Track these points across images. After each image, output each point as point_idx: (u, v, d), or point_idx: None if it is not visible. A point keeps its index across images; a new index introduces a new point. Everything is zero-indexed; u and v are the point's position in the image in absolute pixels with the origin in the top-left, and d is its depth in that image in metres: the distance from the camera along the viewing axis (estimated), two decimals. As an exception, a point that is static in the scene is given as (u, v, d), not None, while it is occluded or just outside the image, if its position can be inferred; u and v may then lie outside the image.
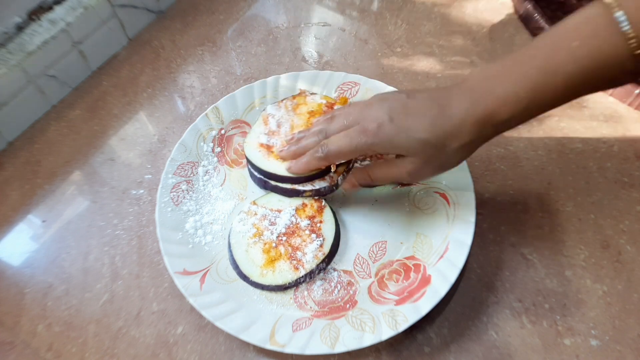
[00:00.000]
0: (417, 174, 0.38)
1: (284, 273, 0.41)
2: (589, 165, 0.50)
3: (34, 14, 0.54)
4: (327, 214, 0.44)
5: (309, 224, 0.43)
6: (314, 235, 0.43)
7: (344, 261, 0.44)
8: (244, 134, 0.52)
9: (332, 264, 0.44)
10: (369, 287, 0.42)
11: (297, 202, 0.44)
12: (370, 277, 0.43)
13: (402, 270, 0.43)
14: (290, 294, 0.42)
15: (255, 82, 0.53)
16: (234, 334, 0.38)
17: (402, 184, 0.48)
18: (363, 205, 0.47)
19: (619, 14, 0.29)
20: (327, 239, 0.43)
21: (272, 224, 0.43)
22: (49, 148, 0.54)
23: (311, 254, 0.42)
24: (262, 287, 0.42)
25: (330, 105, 0.48)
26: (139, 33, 0.64)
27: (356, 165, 0.47)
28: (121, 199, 0.50)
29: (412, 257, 0.44)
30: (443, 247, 0.43)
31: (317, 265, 0.42)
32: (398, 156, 0.39)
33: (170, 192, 0.47)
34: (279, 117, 0.48)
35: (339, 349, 0.38)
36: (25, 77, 0.53)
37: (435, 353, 0.40)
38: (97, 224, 0.49)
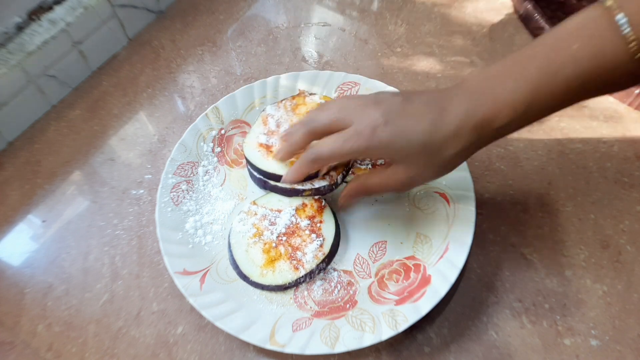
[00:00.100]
0: (414, 180, 0.37)
1: (284, 273, 0.41)
2: (589, 165, 0.50)
3: (34, 14, 0.54)
4: (327, 214, 0.44)
5: (309, 224, 0.43)
6: (314, 235, 0.43)
7: (344, 261, 0.44)
8: (244, 134, 0.52)
9: (332, 264, 0.44)
10: (369, 287, 0.42)
11: (297, 202, 0.44)
12: (370, 277, 0.43)
13: (402, 270, 0.43)
14: (290, 294, 0.42)
15: (255, 82, 0.53)
16: (234, 334, 0.38)
17: None
18: (363, 205, 0.47)
19: (620, 17, 0.29)
20: (327, 239, 0.43)
21: (272, 224, 0.43)
22: (49, 148, 0.54)
23: (311, 254, 0.42)
24: (262, 287, 0.42)
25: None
26: (139, 33, 0.64)
27: (356, 165, 0.47)
28: (121, 199, 0.50)
29: (412, 257, 0.44)
30: (443, 247, 0.43)
31: (317, 265, 0.42)
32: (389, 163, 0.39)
33: (170, 192, 0.47)
34: (278, 117, 0.48)
35: (339, 349, 0.38)
36: (25, 77, 0.53)
37: (435, 353, 0.40)
38: (97, 224, 0.49)
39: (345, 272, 0.44)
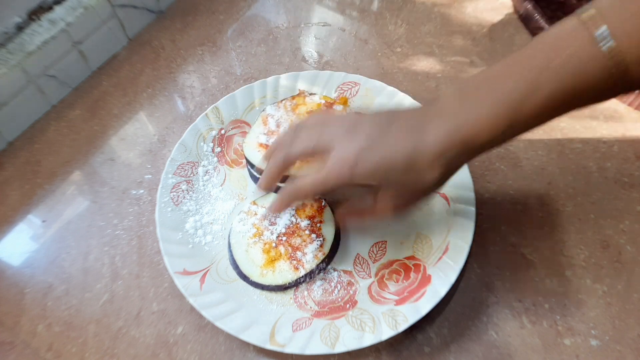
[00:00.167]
0: (404, 206, 0.36)
1: (284, 273, 0.41)
2: (589, 165, 0.50)
3: (34, 14, 0.54)
4: (327, 214, 0.44)
5: (309, 224, 0.43)
6: (314, 235, 0.43)
7: (344, 261, 0.44)
8: (244, 134, 0.52)
9: (332, 264, 0.44)
10: (369, 287, 0.42)
11: (296, 202, 0.44)
12: (370, 277, 0.43)
13: (402, 270, 0.43)
14: (290, 294, 0.42)
15: (255, 82, 0.53)
16: (234, 334, 0.38)
17: None
18: (363, 205, 0.47)
19: (601, 31, 0.28)
20: (327, 239, 0.43)
21: (272, 224, 0.43)
22: (49, 148, 0.54)
23: (311, 254, 0.42)
24: (262, 287, 0.42)
25: (330, 105, 0.48)
26: (139, 33, 0.64)
27: None
28: (121, 199, 0.50)
29: (412, 257, 0.44)
30: (443, 247, 0.43)
31: (317, 265, 0.42)
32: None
33: (170, 192, 0.47)
34: (278, 117, 0.48)
35: (339, 349, 0.38)
36: (25, 77, 0.53)
37: (435, 353, 0.40)
38: (97, 224, 0.49)
39: (345, 272, 0.44)
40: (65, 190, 0.51)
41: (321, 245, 0.42)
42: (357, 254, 0.45)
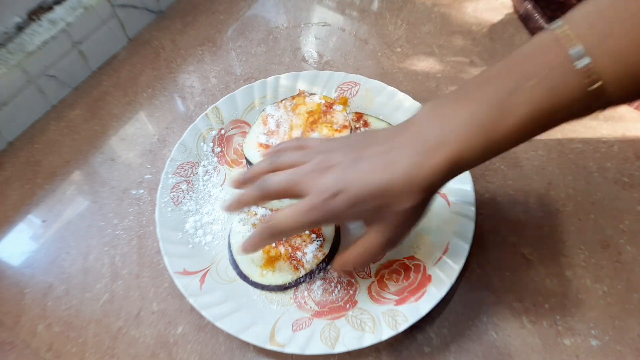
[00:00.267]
0: (390, 240, 0.35)
1: (284, 273, 0.41)
2: (589, 165, 0.50)
3: (34, 14, 0.54)
4: (327, 214, 0.44)
5: (309, 224, 0.43)
6: (314, 235, 0.43)
7: (344, 261, 0.44)
8: (244, 134, 0.52)
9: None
10: (369, 287, 0.42)
11: (297, 202, 0.44)
12: (370, 277, 0.43)
13: (402, 270, 0.43)
14: (290, 294, 0.42)
15: (255, 82, 0.53)
16: (234, 334, 0.38)
17: None
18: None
19: (576, 50, 0.27)
20: (327, 239, 0.43)
21: (272, 224, 0.43)
22: (49, 148, 0.54)
23: (311, 254, 0.42)
24: (262, 287, 0.42)
25: (330, 105, 0.48)
26: (139, 33, 0.64)
27: None
28: (121, 199, 0.50)
29: (412, 257, 0.44)
30: (443, 247, 0.43)
31: (317, 265, 0.42)
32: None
33: (170, 192, 0.47)
34: (278, 117, 0.48)
35: (339, 349, 0.38)
36: (25, 77, 0.53)
37: (435, 353, 0.40)
38: (97, 224, 0.49)
39: (345, 272, 0.44)
40: (65, 190, 0.51)
41: (321, 245, 0.42)
42: (357, 254, 0.45)
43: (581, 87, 0.27)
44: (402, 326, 0.38)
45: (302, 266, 0.41)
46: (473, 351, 0.40)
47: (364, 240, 0.36)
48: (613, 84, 0.27)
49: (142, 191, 0.51)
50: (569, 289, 0.43)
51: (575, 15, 0.29)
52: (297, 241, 0.42)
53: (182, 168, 0.48)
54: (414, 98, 0.51)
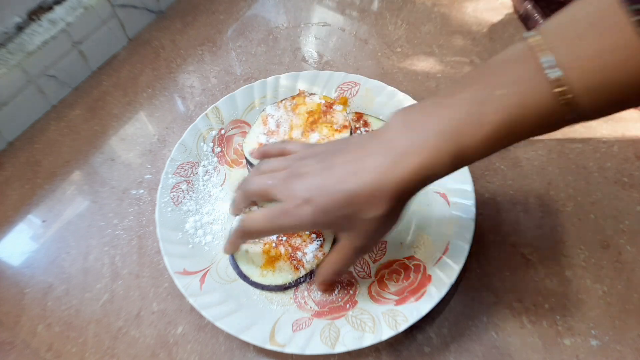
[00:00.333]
0: (362, 249, 0.36)
1: (284, 273, 0.41)
2: (589, 165, 0.50)
3: (34, 14, 0.54)
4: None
5: (309, 224, 0.43)
6: (314, 235, 0.43)
7: (344, 261, 0.44)
8: (244, 134, 0.52)
9: (332, 264, 0.44)
10: (369, 287, 0.42)
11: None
12: (370, 277, 0.43)
13: (402, 270, 0.43)
14: (290, 294, 0.42)
15: (255, 82, 0.53)
16: (234, 334, 0.38)
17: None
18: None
19: (546, 59, 0.27)
20: (327, 239, 0.43)
21: (272, 224, 0.43)
22: (49, 148, 0.54)
23: (311, 254, 0.42)
24: (262, 287, 0.42)
25: (330, 105, 0.48)
26: (139, 33, 0.64)
27: None
28: (121, 199, 0.50)
29: (412, 257, 0.44)
30: (443, 247, 0.43)
31: (317, 265, 0.42)
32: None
33: (170, 192, 0.47)
34: (278, 117, 0.48)
35: (339, 349, 0.38)
36: (25, 77, 0.53)
37: (435, 353, 0.40)
38: (97, 224, 0.49)
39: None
40: (65, 190, 0.51)
41: (321, 245, 0.42)
42: (357, 254, 0.45)
43: (552, 97, 0.27)
44: (402, 326, 0.38)
45: (302, 266, 0.41)
46: (473, 351, 0.40)
47: (336, 248, 0.37)
48: (584, 97, 0.26)
49: (142, 191, 0.51)
50: (569, 289, 0.43)
51: (549, 25, 0.28)
52: (297, 241, 0.42)
53: (182, 168, 0.49)
54: (414, 98, 0.51)
